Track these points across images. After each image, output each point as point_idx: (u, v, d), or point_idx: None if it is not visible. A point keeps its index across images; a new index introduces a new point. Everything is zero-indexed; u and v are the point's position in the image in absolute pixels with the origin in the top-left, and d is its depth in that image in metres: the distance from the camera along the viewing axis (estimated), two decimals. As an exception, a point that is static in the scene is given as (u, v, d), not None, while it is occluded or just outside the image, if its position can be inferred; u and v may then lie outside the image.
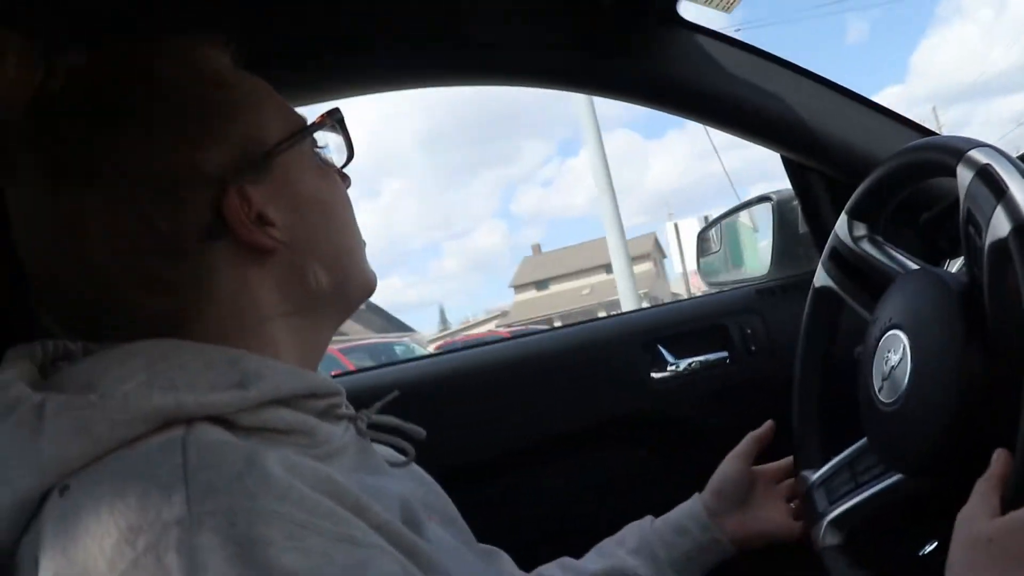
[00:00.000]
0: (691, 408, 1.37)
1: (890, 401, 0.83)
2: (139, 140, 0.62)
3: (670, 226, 16.00)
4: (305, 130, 0.70)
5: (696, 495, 1.06)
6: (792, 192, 1.46)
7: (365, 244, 0.77)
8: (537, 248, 47.84)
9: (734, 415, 1.38)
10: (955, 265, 1.20)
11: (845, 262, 1.03)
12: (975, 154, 0.75)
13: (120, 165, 0.61)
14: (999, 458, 0.69)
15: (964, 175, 0.75)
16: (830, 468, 1.00)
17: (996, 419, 0.70)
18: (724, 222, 1.72)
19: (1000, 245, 0.69)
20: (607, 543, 1.04)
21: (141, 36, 0.67)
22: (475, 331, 40.57)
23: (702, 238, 1.78)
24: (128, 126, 0.62)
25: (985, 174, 0.72)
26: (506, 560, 0.93)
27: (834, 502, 0.98)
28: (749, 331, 1.38)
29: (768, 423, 1.10)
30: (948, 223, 1.25)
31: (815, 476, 1.03)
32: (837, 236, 1.04)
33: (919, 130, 1.30)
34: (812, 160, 1.34)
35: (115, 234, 0.61)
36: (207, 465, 0.52)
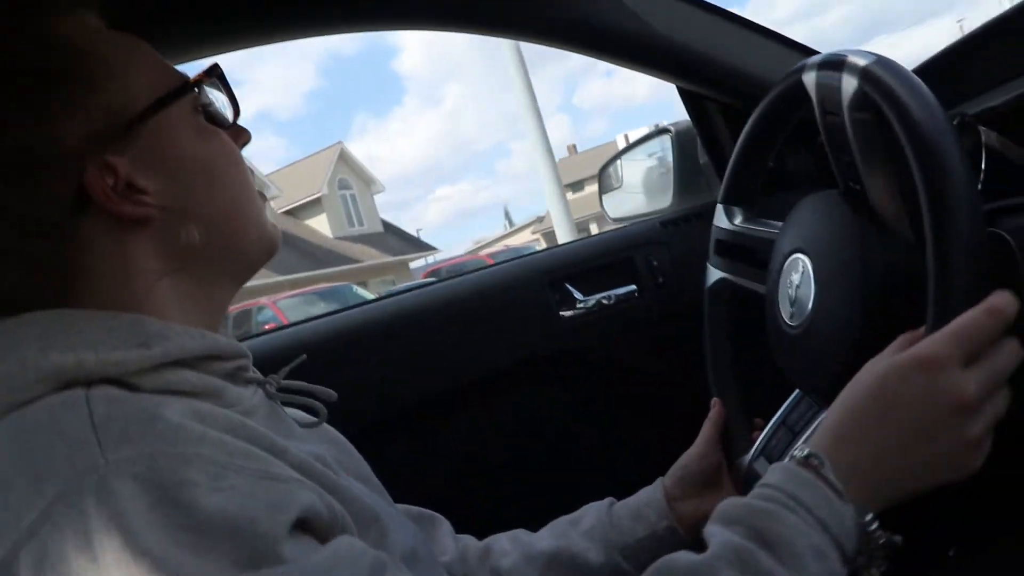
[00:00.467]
0: (602, 343, 1.38)
1: (797, 324, 0.84)
2: None
3: (620, 139, 15.76)
4: (176, 92, 0.67)
5: (659, 479, 1.00)
6: (690, 123, 1.47)
7: (264, 199, 0.75)
8: (572, 148, 46.76)
9: (646, 346, 1.40)
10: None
11: (731, 248, 1.04)
12: (809, 65, 0.82)
13: None
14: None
15: (808, 82, 0.81)
16: (764, 436, 0.96)
17: (905, 325, 0.70)
18: (624, 156, 1.72)
19: (859, 97, 0.74)
20: (561, 521, 0.99)
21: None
22: (512, 240, 40.86)
23: (604, 175, 1.77)
24: None
25: (825, 66, 0.80)
26: (443, 522, 0.92)
27: (775, 461, 0.91)
28: (656, 263, 1.39)
29: (715, 404, 1.03)
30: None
31: (750, 453, 0.98)
32: (718, 228, 1.05)
33: (805, 51, 1.32)
34: (707, 89, 1.35)
35: None
36: (115, 415, 0.51)
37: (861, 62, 0.76)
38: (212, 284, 0.70)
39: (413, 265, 27.21)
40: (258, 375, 0.72)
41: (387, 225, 28.56)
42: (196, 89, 0.69)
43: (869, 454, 0.61)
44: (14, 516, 0.48)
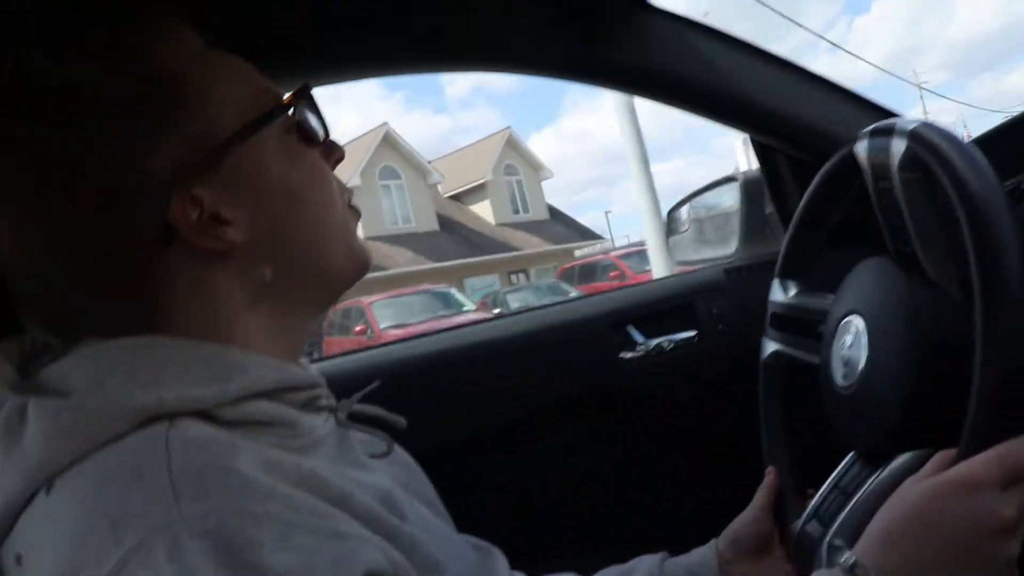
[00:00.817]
0: (660, 385, 1.40)
1: (849, 384, 0.85)
2: (67, 145, 0.58)
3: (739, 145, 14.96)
4: (265, 116, 0.65)
5: (713, 541, 1.00)
6: (758, 172, 1.49)
7: (357, 215, 0.73)
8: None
9: (703, 392, 1.41)
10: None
11: (785, 320, 1.05)
12: (861, 135, 0.84)
13: (47, 173, 0.58)
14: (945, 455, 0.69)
15: (860, 151, 0.84)
16: (818, 499, 0.94)
17: (955, 385, 0.70)
18: (692, 201, 1.74)
19: (908, 158, 0.77)
20: (612, 572, 0.99)
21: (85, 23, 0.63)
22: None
23: (671, 217, 1.80)
24: (52, 129, 0.58)
25: (876, 133, 0.82)
26: (499, 557, 0.93)
27: (828, 523, 0.90)
28: (716, 310, 1.40)
29: (769, 472, 1.02)
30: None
31: (803, 517, 0.95)
32: (773, 303, 1.07)
33: (879, 111, 1.33)
34: (777, 141, 1.37)
35: (54, 241, 0.59)
36: (192, 464, 0.52)
37: (910, 126, 0.79)
38: (296, 311, 0.69)
39: (579, 252, 26.88)
40: (331, 402, 0.72)
41: (553, 212, 27.94)
42: (289, 111, 0.67)
43: (911, 569, 0.63)
44: (95, 560, 0.49)
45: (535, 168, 27.69)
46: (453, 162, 27.15)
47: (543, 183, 28.02)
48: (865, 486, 0.85)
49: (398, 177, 24.06)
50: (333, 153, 0.72)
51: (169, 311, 0.62)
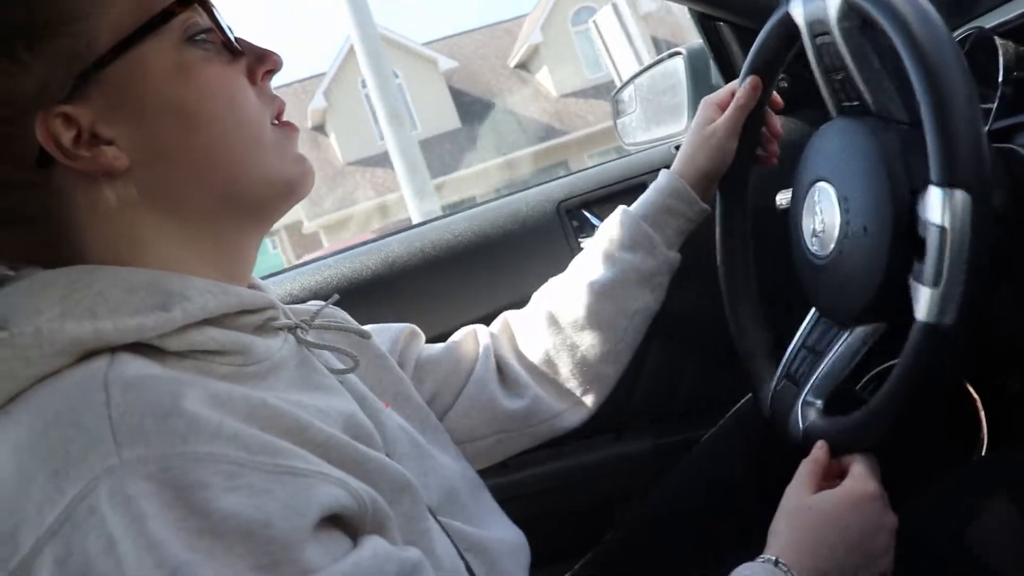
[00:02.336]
0: None
1: (824, 254, 0.85)
2: None
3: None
4: (145, 27, 0.60)
5: (667, 171, 1.05)
6: (701, 46, 1.45)
7: (293, 130, 0.70)
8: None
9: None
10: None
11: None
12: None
13: None
14: (819, 446, 0.81)
15: (796, 13, 0.80)
16: (787, 359, 0.96)
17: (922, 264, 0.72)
18: (637, 80, 1.70)
19: (846, 7, 0.74)
20: (592, 251, 1.04)
21: None
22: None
23: (617, 99, 1.76)
24: None
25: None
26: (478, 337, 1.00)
27: (800, 383, 0.94)
28: None
29: (752, 79, 1.03)
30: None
31: (775, 378, 0.97)
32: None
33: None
34: (718, 9, 1.33)
35: None
36: (132, 406, 0.50)
37: None
38: (223, 232, 0.66)
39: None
40: (289, 321, 0.69)
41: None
42: (172, 20, 0.61)
43: (829, 565, 0.74)
44: (36, 511, 0.48)
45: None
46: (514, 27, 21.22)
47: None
48: (835, 348, 0.86)
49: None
50: (261, 64, 0.67)
51: (78, 238, 0.61)
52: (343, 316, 0.86)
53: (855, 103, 0.84)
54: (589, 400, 0.99)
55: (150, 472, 0.48)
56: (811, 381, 0.85)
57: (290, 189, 0.68)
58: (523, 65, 19.92)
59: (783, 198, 1.03)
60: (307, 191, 0.70)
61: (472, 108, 19.44)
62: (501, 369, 0.98)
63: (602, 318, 0.98)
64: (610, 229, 1.04)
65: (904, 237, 0.75)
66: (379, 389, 0.77)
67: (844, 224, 0.82)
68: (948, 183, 0.67)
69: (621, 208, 1.05)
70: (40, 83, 0.58)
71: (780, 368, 0.94)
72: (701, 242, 1.09)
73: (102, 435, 0.49)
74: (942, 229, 0.68)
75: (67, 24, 0.58)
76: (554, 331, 0.99)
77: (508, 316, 1.04)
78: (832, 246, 0.83)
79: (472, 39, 20.72)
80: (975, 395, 0.89)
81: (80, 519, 0.47)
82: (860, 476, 0.77)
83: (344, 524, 0.56)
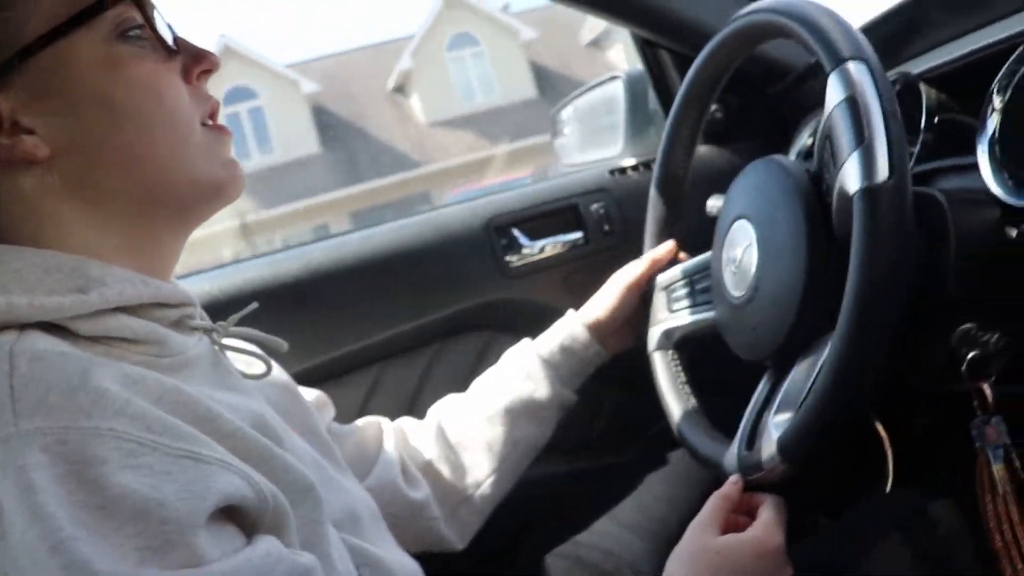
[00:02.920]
0: (551, 289, 1.38)
1: (740, 292, 0.85)
2: None
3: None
4: (75, 19, 0.60)
5: (571, 314, 1.10)
6: (642, 71, 1.46)
7: (225, 133, 0.69)
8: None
9: (591, 296, 1.40)
10: (798, 143, 1.24)
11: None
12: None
13: None
14: (732, 481, 0.81)
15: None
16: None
17: (834, 306, 0.72)
18: (576, 102, 1.71)
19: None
20: (489, 377, 1.08)
21: None
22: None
23: (555, 119, 1.76)
24: None
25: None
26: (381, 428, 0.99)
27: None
28: (603, 211, 1.38)
29: (670, 244, 1.10)
30: (794, 96, 1.29)
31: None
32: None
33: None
34: (659, 36, 1.35)
35: None
36: (36, 378, 0.50)
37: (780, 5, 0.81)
38: (146, 228, 0.65)
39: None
40: (205, 323, 0.69)
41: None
42: (102, 13, 0.61)
43: None
44: None
45: (508, 31, 18.64)
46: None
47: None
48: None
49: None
50: (197, 64, 0.66)
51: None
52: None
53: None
54: (465, 514, 1.00)
55: (46, 444, 0.47)
56: (773, 408, 0.85)
57: (215, 192, 0.68)
58: (400, 89, 18.74)
59: (713, 205, 1.04)
60: (235, 196, 0.69)
61: (337, 133, 18.35)
62: (402, 461, 0.99)
63: (486, 442, 1.01)
64: (509, 359, 1.08)
65: (821, 251, 0.76)
66: (287, 416, 0.75)
67: (761, 254, 0.82)
68: (836, 63, 0.71)
69: (525, 340, 1.10)
70: None
71: (737, 440, 0.93)
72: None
73: (2, 403, 0.48)
74: (847, 99, 0.70)
75: (2, 8, 0.58)
76: (440, 444, 1.01)
77: (402, 422, 1.06)
78: (749, 282, 0.84)
79: (353, 59, 19.62)
80: (883, 432, 0.91)
81: None
82: (768, 524, 0.77)
83: (241, 519, 0.55)
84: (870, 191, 0.68)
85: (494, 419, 1.01)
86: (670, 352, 1.05)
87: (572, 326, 1.07)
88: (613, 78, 1.56)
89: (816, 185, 0.79)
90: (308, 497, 0.63)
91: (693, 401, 1.02)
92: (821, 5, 0.77)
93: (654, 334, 1.07)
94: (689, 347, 1.06)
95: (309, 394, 0.93)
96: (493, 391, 1.04)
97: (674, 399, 1.02)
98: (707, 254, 0.99)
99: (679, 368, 1.05)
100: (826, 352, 0.73)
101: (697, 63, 0.99)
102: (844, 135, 0.70)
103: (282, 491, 0.59)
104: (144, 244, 0.65)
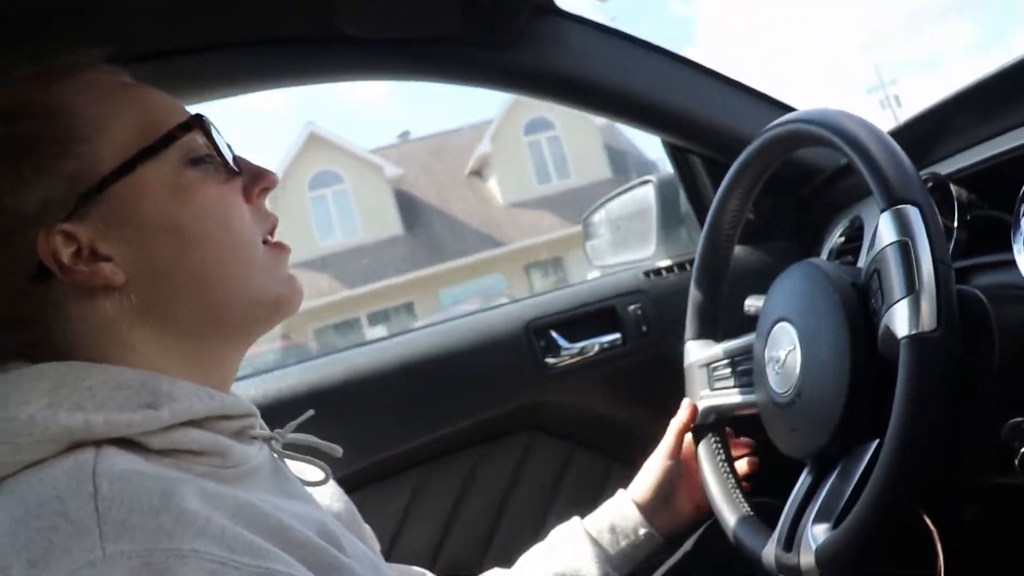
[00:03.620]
0: (590, 391, 1.39)
1: (783, 392, 0.86)
2: None
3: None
4: (147, 151, 0.63)
5: (621, 492, 1.07)
6: (671, 174, 1.50)
7: (284, 250, 0.71)
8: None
9: (632, 395, 1.41)
10: (829, 242, 1.27)
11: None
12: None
13: None
14: None
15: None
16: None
17: (880, 408, 0.74)
18: (608, 205, 1.75)
19: (892, 335, 0.72)
20: (540, 550, 1.03)
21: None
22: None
23: (587, 223, 1.80)
24: None
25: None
26: None
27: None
28: (640, 312, 1.40)
29: (687, 405, 1.08)
30: (824, 196, 1.31)
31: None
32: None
33: (785, 109, 1.36)
34: (690, 142, 1.39)
35: None
36: (119, 499, 0.50)
37: (817, 115, 0.83)
38: (209, 345, 0.67)
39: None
40: (265, 431, 0.70)
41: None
42: (171, 144, 0.64)
43: None
44: None
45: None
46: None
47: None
48: (815, 502, 0.86)
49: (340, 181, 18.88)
50: (256, 183, 0.69)
51: (69, 341, 0.61)
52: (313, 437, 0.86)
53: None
54: None
55: (132, 567, 0.47)
56: (814, 511, 0.84)
57: (277, 309, 0.69)
58: (477, 173, 19.58)
59: (752, 304, 1.05)
60: (293, 310, 0.70)
61: (419, 215, 19.10)
62: None
63: None
64: (558, 535, 1.06)
65: (864, 363, 0.77)
66: (342, 520, 0.76)
67: (805, 360, 0.83)
68: (891, 203, 0.72)
69: (575, 518, 1.07)
70: (43, 201, 0.60)
71: (782, 517, 0.93)
72: (676, 363, 1.11)
73: (88, 527, 0.49)
74: (899, 243, 0.71)
75: (74, 145, 0.60)
76: None
77: None
78: (792, 384, 0.85)
79: (427, 145, 20.47)
80: (931, 526, 0.89)
81: None
82: None
83: None
84: (918, 340, 0.69)
85: None
86: (709, 432, 1.05)
87: (622, 505, 1.05)
88: (644, 182, 1.60)
89: (860, 299, 0.80)
90: None
91: (732, 482, 1.01)
92: (870, 126, 0.79)
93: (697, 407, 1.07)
94: (727, 425, 1.07)
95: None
96: (540, 565, 1.01)
97: (714, 480, 1.02)
98: (749, 338, 1.00)
99: (719, 447, 1.04)
100: (865, 460, 0.74)
101: (738, 164, 1.01)
102: (895, 279, 0.72)
103: None
104: (206, 360, 0.67)
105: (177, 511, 0.51)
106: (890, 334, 0.72)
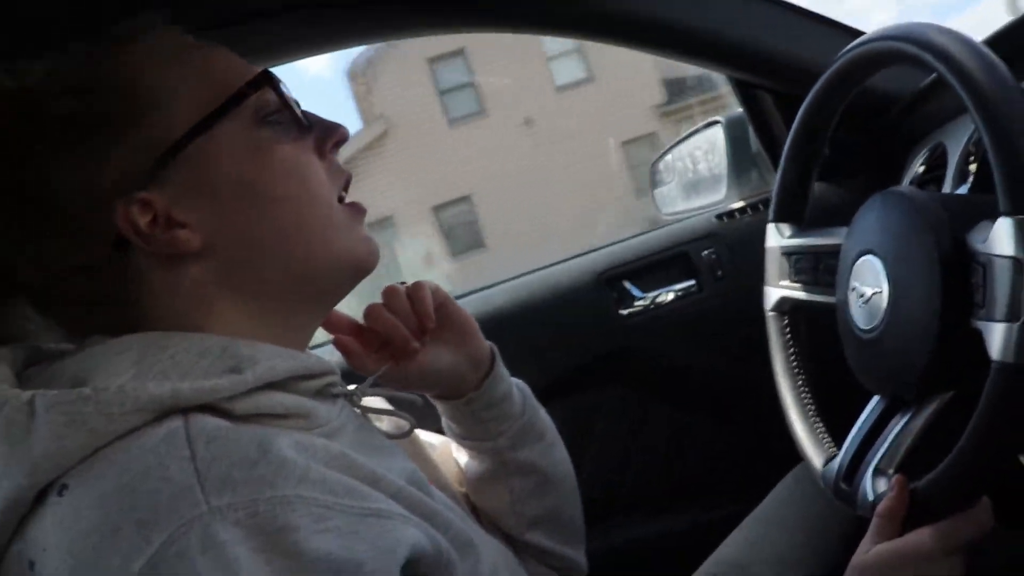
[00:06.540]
0: (665, 340, 1.37)
1: (869, 327, 0.83)
2: (16, 166, 0.59)
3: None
4: (217, 112, 0.62)
5: None
6: (740, 114, 1.46)
7: (361, 211, 0.69)
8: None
9: (709, 342, 1.38)
10: (909, 172, 1.21)
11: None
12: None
13: (7, 192, 0.60)
14: (895, 485, 0.73)
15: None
16: (847, 449, 0.89)
17: (973, 341, 0.69)
18: (674, 151, 1.71)
19: (984, 350, 0.68)
20: None
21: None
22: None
23: (654, 170, 1.77)
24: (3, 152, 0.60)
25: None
26: None
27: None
28: (714, 256, 1.37)
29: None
30: (902, 125, 1.25)
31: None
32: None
33: (852, 33, 1.30)
34: (758, 77, 1.34)
35: (31, 256, 0.61)
36: (217, 456, 0.51)
37: (903, 31, 0.77)
38: (289, 308, 0.66)
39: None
40: (345, 388, 0.69)
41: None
42: (241, 103, 0.62)
43: None
44: (123, 561, 0.48)
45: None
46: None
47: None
48: (894, 432, 0.83)
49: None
50: (329, 137, 0.67)
51: (148, 312, 0.62)
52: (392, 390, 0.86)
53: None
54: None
55: (238, 518, 0.48)
56: (878, 453, 0.82)
57: (356, 269, 0.68)
58: None
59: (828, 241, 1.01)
60: (372, 270, 0.70)
61: None
62: None
63: None
64: None
65: (956, 292, 0.73)
66: (426, 472, 0.76)
67: (892, 292, 0.80)
68: (1016, 210, 0.65)
69: None
70: (120, 173, 0.59)
71: (846, 444, 0.90)
72: (754, 307, 1.07)
73: (190, 486, 0.50)
74: (1015, 260, 0.65)
75: (146, 114, 0.60)
76: None
77: None
78: (880, 317, 0.81)
79: None
80: None
81: (169, 565, 0.47)
82: (923, 536, 0.70)
83: (424, 570, 0.56)
84: (1013, 370, 0.65)
85: None
86: (784, 318, 1.01)
87: None
88: (712, 123, 1.56)
89: (937, 199, 0.76)
90: (470, 553, 0.64)
91: (801, 380, 0.98)
92: (964, 38, 0.72)
93: (772, 295, 1.03)
94: (802, 317, 1.01)
95: (436, 438, 0.92)
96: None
97: (784, 379, 0.98)
98: (837, 239, 0.94)
99: (789, 337, 1.00)
100: (996, 347, 0.68)
101: (816, 90, 0.95)
102: (1001, 299, 0.67)
103: (450, 547, 0.60)
104: (287, 324, 0.66)
105: (277, 460, 0.51)
106: (980, 347, 0.68)
